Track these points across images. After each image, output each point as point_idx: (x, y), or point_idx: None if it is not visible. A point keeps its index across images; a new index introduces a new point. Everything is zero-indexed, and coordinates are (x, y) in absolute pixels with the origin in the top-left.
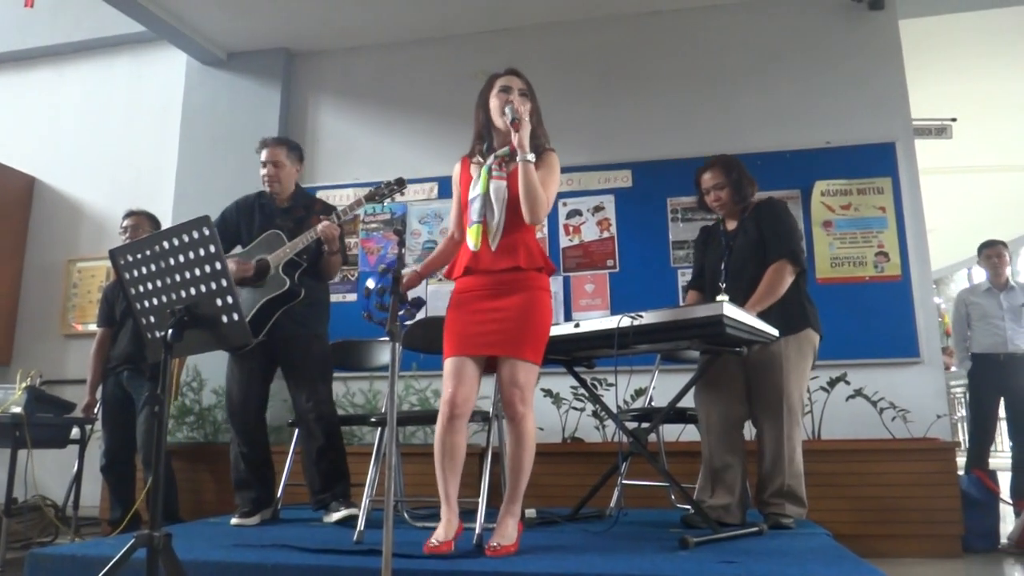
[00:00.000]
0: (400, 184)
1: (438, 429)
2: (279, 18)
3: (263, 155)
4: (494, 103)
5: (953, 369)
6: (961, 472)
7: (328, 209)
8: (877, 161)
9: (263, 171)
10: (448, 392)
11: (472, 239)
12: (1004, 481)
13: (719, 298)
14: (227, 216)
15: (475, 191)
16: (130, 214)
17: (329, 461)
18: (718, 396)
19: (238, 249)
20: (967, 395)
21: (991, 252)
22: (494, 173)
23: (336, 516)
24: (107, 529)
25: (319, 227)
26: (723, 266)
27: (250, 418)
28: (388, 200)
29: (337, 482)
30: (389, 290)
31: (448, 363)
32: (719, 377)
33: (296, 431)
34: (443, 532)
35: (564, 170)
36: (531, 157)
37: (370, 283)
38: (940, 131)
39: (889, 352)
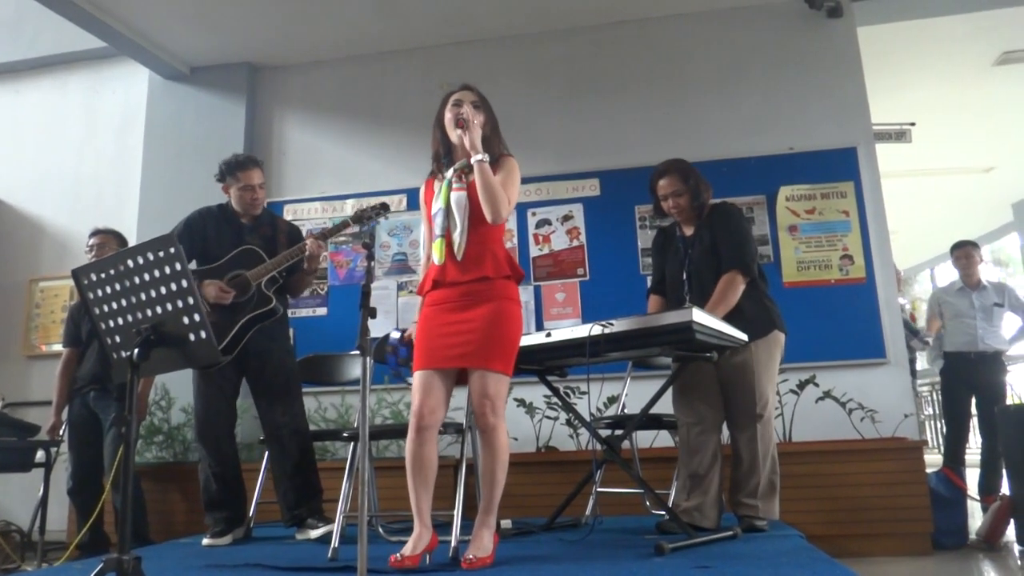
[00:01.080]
0: (384, 208)
1: (408, 442)
2: (242, 32)
3: (253, 178)
4: (447, 117)
5: (927, 343)
6: (931, 470)
7: (294, 229)
8: (839, 166)
9: (253, 194)
10: (415, 404)
11: (436, 253)
12: (972, 478)
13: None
14: (193, 225)
15: (437, 205)
16: (96, 233)
17: (304, 477)
18: (694, 400)
19: (193, 264)
20: (940, 393)
21: (960, 253)
22: (454, 185)
23: (315, 533)
24: (75, 553)
25: (308, 245)
26: (685, 276)
27: (222, 435)
28: (372, 222)
29: (312, 498)
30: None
31: (416, 376)
32: (695, 382)
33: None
34: (411, 546)
35: (533, 180)
36: (484, 156)
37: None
38: (900, 135)
39: (856, 353)
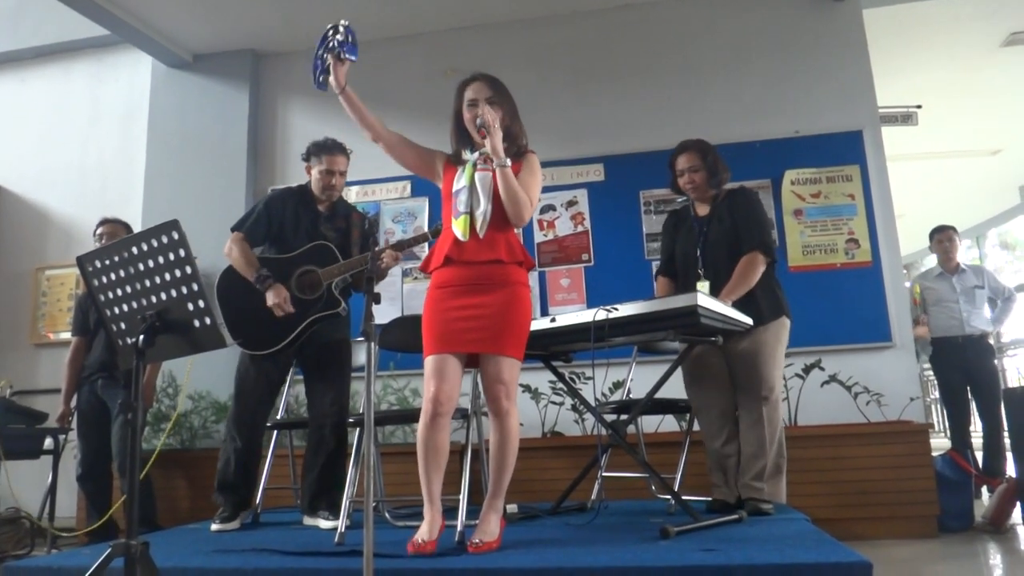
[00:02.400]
0: None
1: (421, 427)
2: (244, 19)
3: (336, 163)
4: (467, 117)
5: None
6: (937, 453)
7: (367, 222)
8: (845, 149)
9: (331, 178)
10: (432, 390)
11: (460, 229)
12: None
13: (700, 285)
14: (272, 207)
15: (460, 183)
16: (104, 222)
17: (333, 470)
18: (708, 389)
19: (259, 250)
20: (936, 379)
21: (942, 237)
22: (479, 167)
23: (325, 524)
24: (84, 540)
25: (386, 258)
26: (699, 253)
27: (259, 420)
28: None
29: (333, 489)
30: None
31: (430, 361)
32: (705, 370)
33: (276, 433)
34: (427, 531)
35: None
36: (507, 162)
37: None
38: (906, 118)
39: (862, 337)
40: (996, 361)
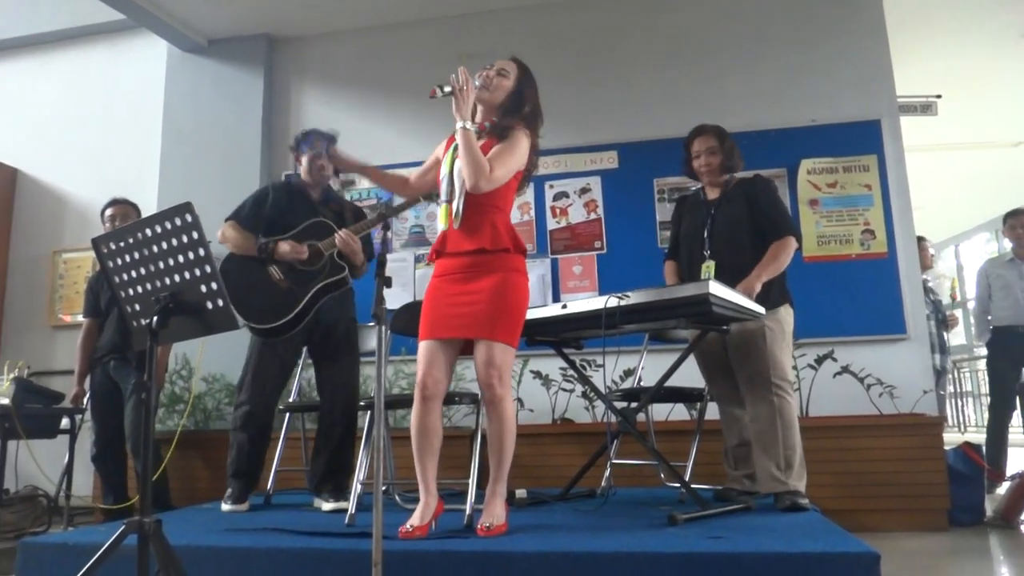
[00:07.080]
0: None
1: (413, 413)
2: (259, 3)
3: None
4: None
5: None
6: (950, 447)
7: (358, 209)
8: (862, 139)
9: (317, 160)
10: (419, 375)
11: (440, 218)
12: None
13: (705, 266)
14: (262, 197)
15: (444, 170)
16: (113, 203)
17: (343, 454)
18: (717, 377)
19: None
20: (986, 368)
21: (1015, 222)
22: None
23: (327, 507)
24: (100, 518)
25: (338, 236)
26: (706, 233)
27: (272, 404)
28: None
29: (339, 474)
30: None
31: (420, 347)
32: (720, 361)
33: (288, 416)
34: (418, 516)
35: (550, 152)
36: (468, 125)
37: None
38: (925, 108)
39: (876, 329)
40: None
